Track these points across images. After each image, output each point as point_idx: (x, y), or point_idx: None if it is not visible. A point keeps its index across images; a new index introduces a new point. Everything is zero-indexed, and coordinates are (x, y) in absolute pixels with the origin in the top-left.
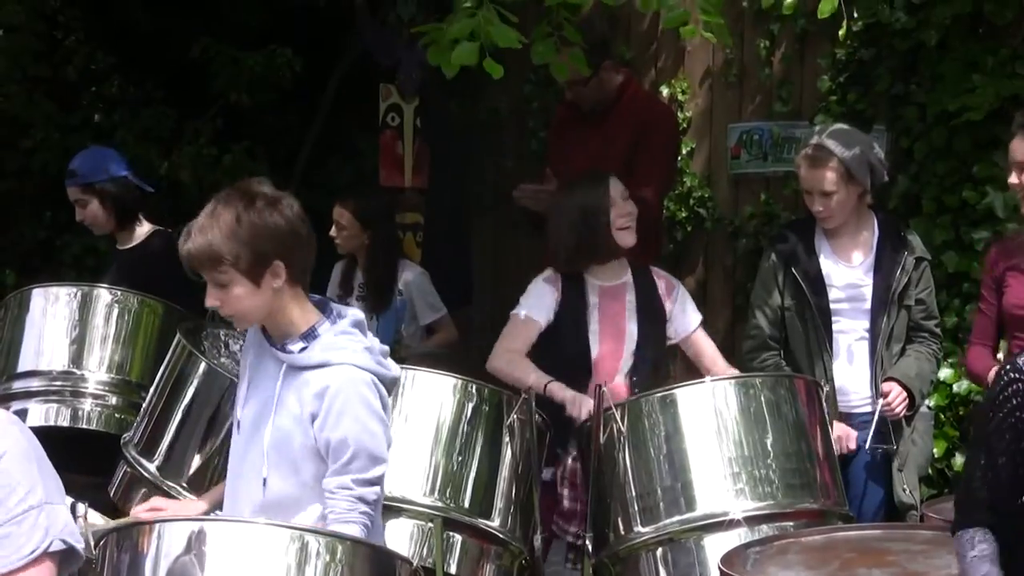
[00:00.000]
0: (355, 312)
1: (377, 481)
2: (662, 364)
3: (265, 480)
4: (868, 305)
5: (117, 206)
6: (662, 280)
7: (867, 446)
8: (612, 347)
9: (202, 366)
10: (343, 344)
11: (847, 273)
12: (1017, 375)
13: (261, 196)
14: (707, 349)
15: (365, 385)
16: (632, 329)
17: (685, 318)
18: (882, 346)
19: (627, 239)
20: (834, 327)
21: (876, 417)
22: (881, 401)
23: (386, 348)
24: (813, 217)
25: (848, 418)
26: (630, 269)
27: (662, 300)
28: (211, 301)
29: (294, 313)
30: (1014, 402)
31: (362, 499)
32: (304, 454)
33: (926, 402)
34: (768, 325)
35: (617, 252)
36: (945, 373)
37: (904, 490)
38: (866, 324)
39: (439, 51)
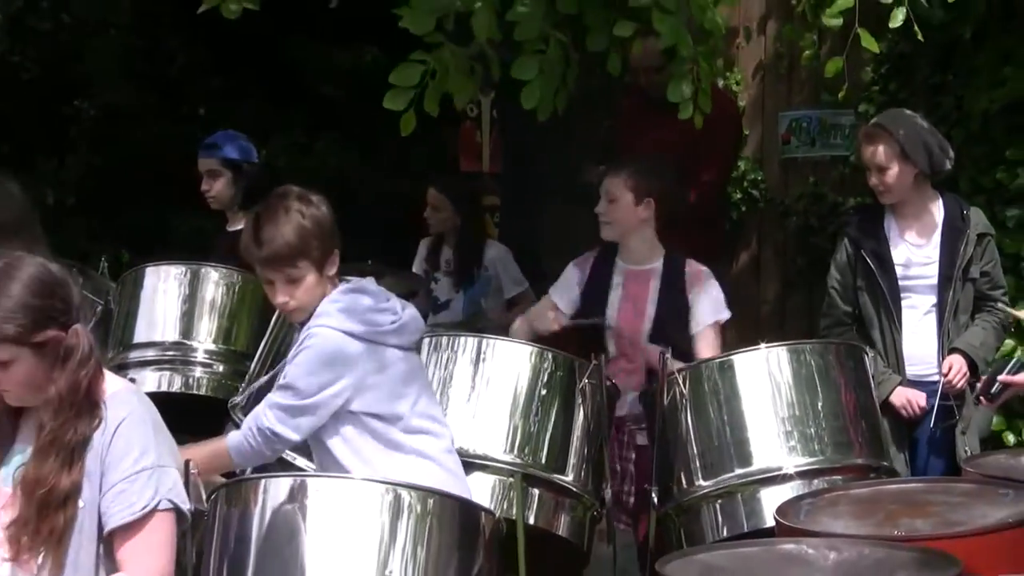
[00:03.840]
0: (357, 281)
1: (286, 408)
2: (687, 350)
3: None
4: (935, 281)
5: (247, 187)
6: (691, 272)
7: (931, 425)
8: (630, 326)
9: None
10: (323, 310)
11: (914, 252)
12: None
13: (310, 196)
14: (702, 351)
15: (322, 338)
16: (651, 312)
17: (696, 313)
18: (948, 318)
19: (603, 232)
20: (903, 303)
21: (938, 400)
22: (942, 380)
23: (375, 306)
24: (877, 202)
25: (918, 386)
26: (664, 257)
27: (685, 291)
28: (282, 298)
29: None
30: None
31: (257, 417)
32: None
33: None
34: (842, 303)
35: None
36: None
37: (966, 451)
38: (933, 299)
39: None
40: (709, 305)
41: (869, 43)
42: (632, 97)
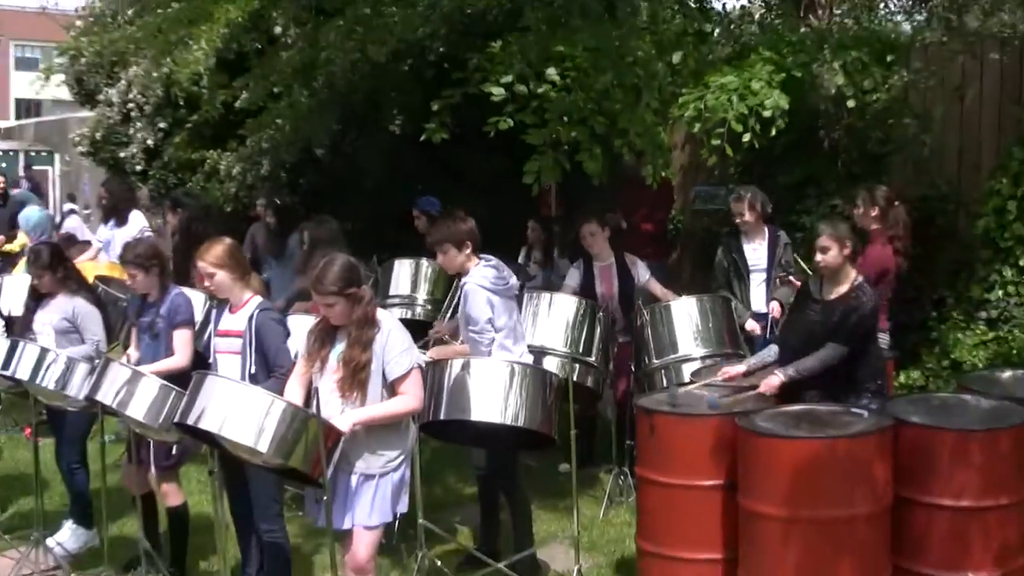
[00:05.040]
0: (495, 260)
1: (483, 330)
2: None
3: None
4: (765, 266)
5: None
6: (628, 259)
7: (761, 334)
8: (608, 293)
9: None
10: (475, 272)
11: (755, 252)
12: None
13: (458, 214)
14: (654, 288)
15: (475, 291)
16: (617, 285)
17: (639, 275)
18: (772, 285)
19: (591, 250)
20: (751, 277)
21: (769, 324)
22: (770, 315)
23: (508, 276)
24: (739, 228)
25: (757, 317)
26: (614, 256)
27: (629, 270)
28: (440, 260)
29: (469, 265)
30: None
31: (477, 341)
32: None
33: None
34: (721, 278)
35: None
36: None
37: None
38: (764, 275)
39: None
40: (643, 270)
41: (729, 152)
42: (626, 179)
